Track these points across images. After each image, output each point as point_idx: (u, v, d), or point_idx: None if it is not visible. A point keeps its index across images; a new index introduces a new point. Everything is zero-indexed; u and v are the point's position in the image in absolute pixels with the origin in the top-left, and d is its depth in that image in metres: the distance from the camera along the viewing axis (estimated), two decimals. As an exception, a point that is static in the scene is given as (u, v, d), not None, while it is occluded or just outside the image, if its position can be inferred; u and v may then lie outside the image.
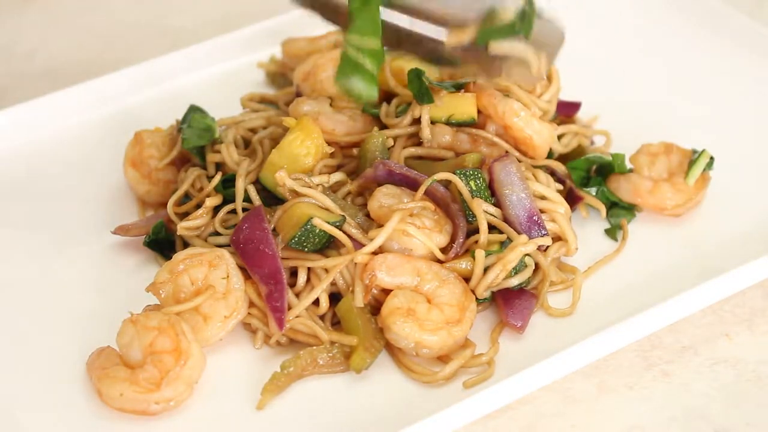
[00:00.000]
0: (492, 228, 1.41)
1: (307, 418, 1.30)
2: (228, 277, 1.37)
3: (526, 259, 1.40)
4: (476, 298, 1.38)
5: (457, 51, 1.37)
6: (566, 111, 1.62)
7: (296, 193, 1.41)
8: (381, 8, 1.34)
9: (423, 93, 1.48)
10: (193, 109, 1.58)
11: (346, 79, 1.38)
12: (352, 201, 1.46)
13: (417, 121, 1.50)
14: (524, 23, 1.37)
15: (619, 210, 1.53)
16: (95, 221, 1.56)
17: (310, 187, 1.41)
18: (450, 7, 1.36)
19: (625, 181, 1.53)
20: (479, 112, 1.50)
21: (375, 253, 1.38)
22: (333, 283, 1.39)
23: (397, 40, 1.39)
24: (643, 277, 1.44)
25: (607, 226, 1.52)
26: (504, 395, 1.28)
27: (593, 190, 1.54)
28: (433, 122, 1.49)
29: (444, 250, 1.40)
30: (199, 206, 1.48)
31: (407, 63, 1.56)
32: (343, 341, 1.35)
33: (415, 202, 1.39)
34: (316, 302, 1.38)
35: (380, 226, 1.39)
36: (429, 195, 1.41)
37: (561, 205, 1.46)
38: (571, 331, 1.37)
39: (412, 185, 1.42)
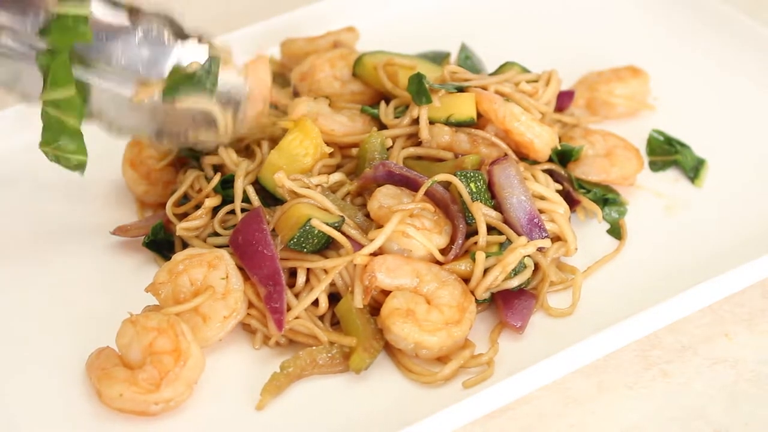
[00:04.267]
0: (491, 229, 1.41)
1: (306, 418, 1.30)
2: (227, 277, 1.37)
3: (526, 260, 1.39)
4: (476, 299, 1.38)
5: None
6: (560, 102, 1.62)
7: (295, 194, 1.40)
8: (73, 67, 1.34)
9: (421, 93, 1.48)
10: (193, 110, 1.58)
11: (54, 143, 1.37)
12: (351, 201, 1.45)
13: (416, 122, 1.50)
14: (209, 77, 1.42)
15: (610, 206, 1.52)
16: (95, 221, 1.56)
17: (308, 187, 1.41)
18: (135, 65, 1.40)
19: (585, 165, 1.55)
20: (479, 115, 1.49)
21: (374, 254, 1.37)
22: (332, 284, 1.39)
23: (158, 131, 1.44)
24: (643, 277, 1.44)
25: (606, 227, 1.52)
26: (504, 395, 1.28)
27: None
28: (432, 122, 1.49)
29: (443, 252, 1.39)
30: (198, 207, 1.48)
31: (402, 65, 1.56)
32: (342, 342, 1.35)
33: (415, 203, 1.39)
34: (316, 303, 1.38)
35: (380, 226, 1.39)
36: (429, 196, 1.41)
37: (560, 206, 1.46)
38: (571, 331, 1.37)
39: (412, 186, 1.42)
